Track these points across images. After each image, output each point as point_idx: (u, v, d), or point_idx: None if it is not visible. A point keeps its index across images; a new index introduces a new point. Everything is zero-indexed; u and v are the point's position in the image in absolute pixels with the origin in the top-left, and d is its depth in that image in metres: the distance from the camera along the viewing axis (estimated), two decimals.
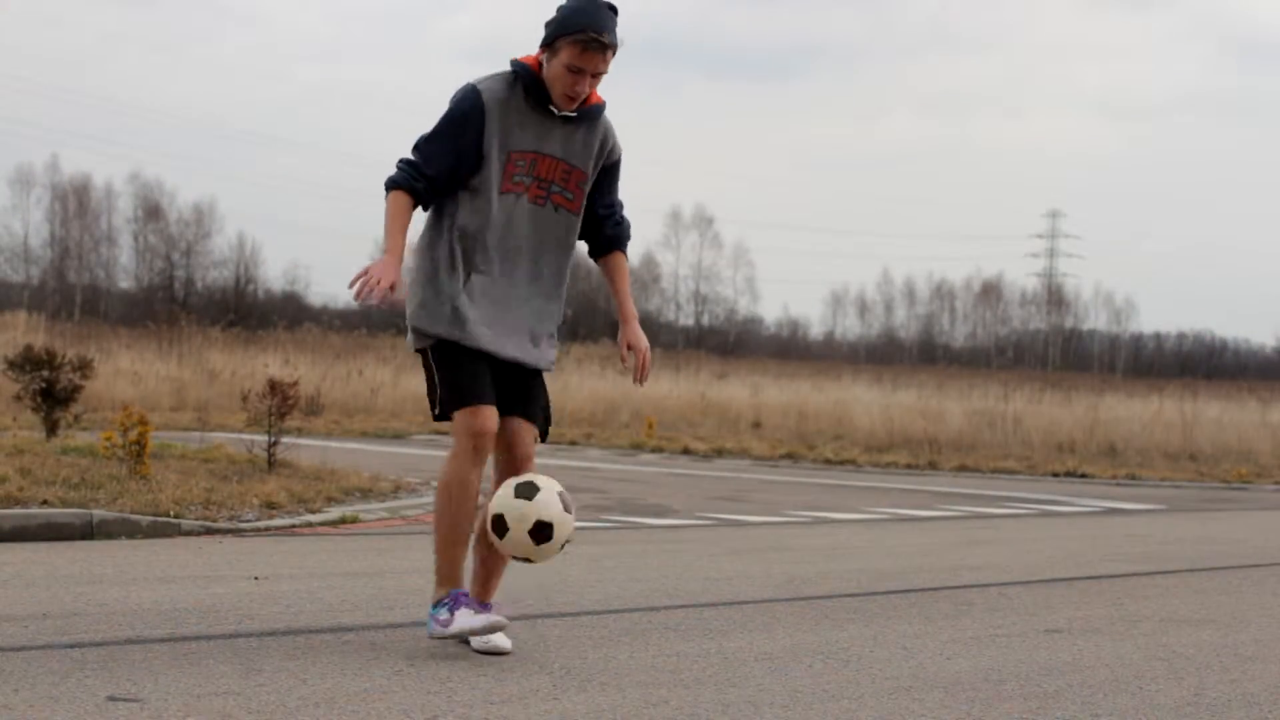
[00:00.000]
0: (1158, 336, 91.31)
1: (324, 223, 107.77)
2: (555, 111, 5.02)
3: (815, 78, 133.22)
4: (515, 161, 5.03)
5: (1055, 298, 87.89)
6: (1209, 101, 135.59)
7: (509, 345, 5.06)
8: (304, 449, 12.69)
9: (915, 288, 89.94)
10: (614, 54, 4.95)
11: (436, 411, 5.07)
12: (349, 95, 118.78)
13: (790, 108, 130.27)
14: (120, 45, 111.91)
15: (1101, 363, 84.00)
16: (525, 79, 5.01)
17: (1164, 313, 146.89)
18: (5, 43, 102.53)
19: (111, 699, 4.04)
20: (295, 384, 12.24)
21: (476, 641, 4.99)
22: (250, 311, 54.68)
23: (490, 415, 4.99)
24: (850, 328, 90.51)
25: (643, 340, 5.25)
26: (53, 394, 13.33)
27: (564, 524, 4.88)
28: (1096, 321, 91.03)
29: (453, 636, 4.98)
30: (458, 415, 4.98)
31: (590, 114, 5.10)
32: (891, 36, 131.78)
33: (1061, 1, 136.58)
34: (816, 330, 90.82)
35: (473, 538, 5.12)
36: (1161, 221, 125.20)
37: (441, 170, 4.98)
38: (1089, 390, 34.53)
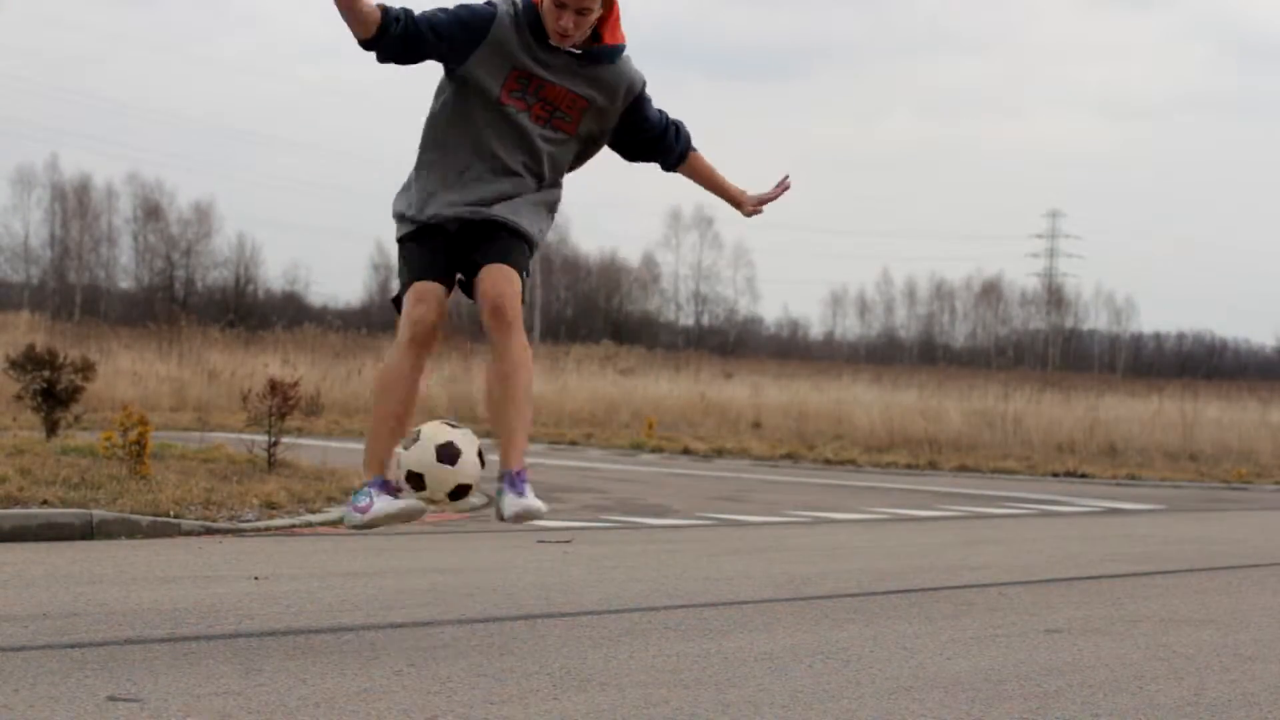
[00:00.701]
0: (1158, 336, 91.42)
1: (324, 223, 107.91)
2: (558, 46, 5.06)
3: (816, 77, 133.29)
4: (517, 78, 5.05)
5: (1055, 298, 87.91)
6: (1209, 102, 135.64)
7: (467, 202, 5.06)
8: (304, 449, 12.69)
9: (915, 288, 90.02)
10: None
11: (396, 303, 5.19)
12: (349, 95, 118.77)
13: (791, 108, 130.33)
14: (120, 45, 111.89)
15: (1101, 363, 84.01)
16: (529, 13, 5.04)
17: (1164, 313, 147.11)
18: (5, 43, 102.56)
19: (111, 699, 4.04)
20: (296, 384, 12.24)
21: (511, 510, 4.93)
22: (250, 311, 54.69)
23: (427, 294, 5.02)
24: (850, 328, 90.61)
25: (761, 194, 5.51)
26: (53, 394, 13.33)
27: (465, 466, 4.86)
28: (1096, 321, 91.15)
29: (369, 525, 4.98)
30: (404, 302, 5.08)
31: (601, 55, 5.11)
32: (892, 36, 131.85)
33: (1062, 2, 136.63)
34: (816, 330, 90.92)
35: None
36: (1161, 221, 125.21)
37: (421, 21, 4.94)
38: (1089, 390, 34.53)
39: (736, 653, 5.22)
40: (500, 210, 5.10)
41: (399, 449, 4.96)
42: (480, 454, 4.93)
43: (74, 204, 70.43)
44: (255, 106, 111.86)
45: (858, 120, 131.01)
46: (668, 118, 5.39)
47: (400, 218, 5.23)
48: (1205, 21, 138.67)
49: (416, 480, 4.90)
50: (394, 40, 4.94)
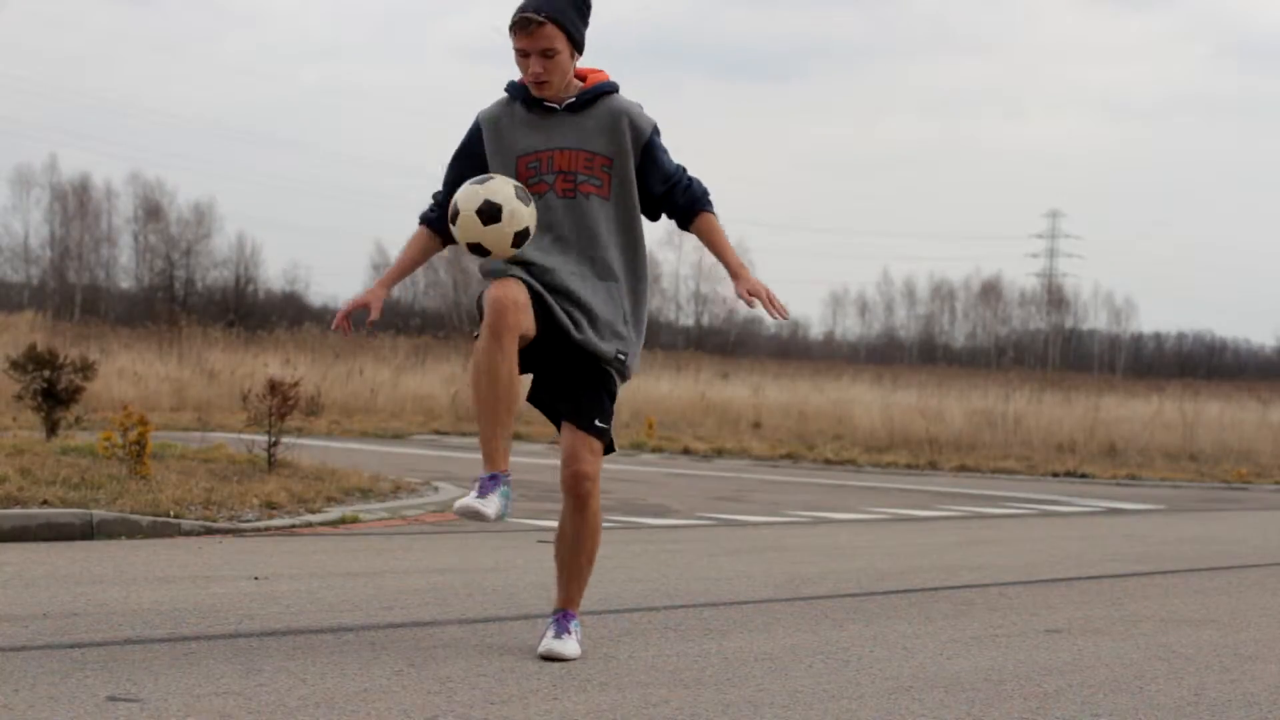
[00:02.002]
0: (1158, 336, 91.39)
1: (324, 223, 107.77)
2: (557, 107, 5.01)
3: (816, 78, 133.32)
4: (527, 165, 5.02)
5: (1055, 298, 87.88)
6: (1209, 102, 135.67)
7: (558, 279, 4.93)
8: (304, 449, 12.69)
9: (915, 288, 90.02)
10: (556, 26, 4.85)
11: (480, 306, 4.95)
12: (349, 95, 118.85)
13: (791, 108, 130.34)
14: (120, 45, 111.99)
15: (1101, 363, 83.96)
16: (518, 90, 5.04)
17: (1164, 313, 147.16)
18: (5, 43, 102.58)
19: (111, 699, 4.04)
20: (296, 384, 12.24)
21: (541, 649, 4.98)
22: (250, 311, 54.65)
23: (513, 285, 4.81)
24: (850, 328, 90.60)
25: (759, 285, 5.08)
26: (54, 394, 13.33)
27: (519, 211, 4.73)
28: (1096, 321, 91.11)
29: (471, 514, 4.79)
30: (485, 296, 4.87)
31: (592, 95, 5.03)
32: (892, 37, 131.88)
33: (1062, 2, 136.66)
34: (816, 330, 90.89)
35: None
36: (1161, 221, 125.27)
37: (446, 194, 5.08)
38: (1089, 390, 34.50)
39: (736, 653, 5.22)
40: (591, 338, 4.95)
41: (450, 225, 4.81)
42: (511, 190, 4.76)
43: (74, 204, 70.41)
44: (255, 107, 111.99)
45: (858, 120, 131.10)
46: (683, 174, 5.17)
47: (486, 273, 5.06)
48: (1205, 22, 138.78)
49: (478, 249, 4.77)
50: (447, 229, 4.98)
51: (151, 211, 71.08)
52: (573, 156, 5.01)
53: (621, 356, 5.04)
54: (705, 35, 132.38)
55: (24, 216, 73.34)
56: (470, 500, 4.75)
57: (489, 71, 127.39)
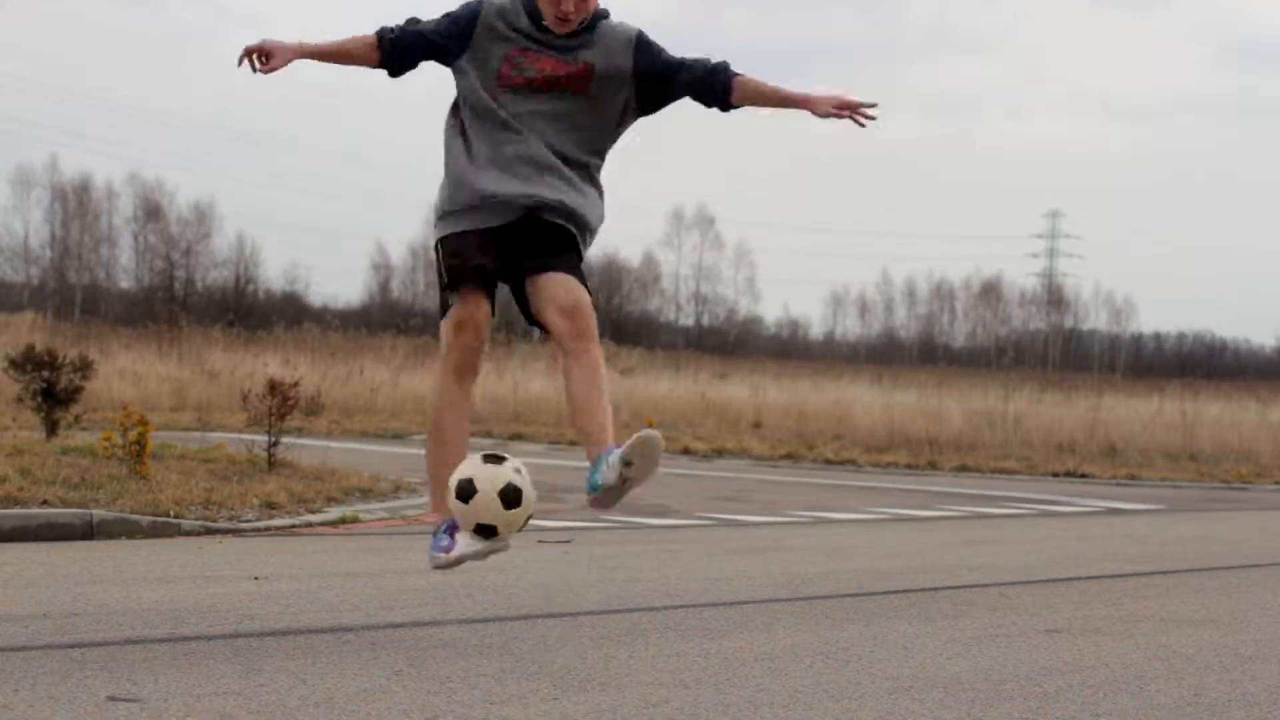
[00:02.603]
0: (1158, 336, 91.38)
1: (324, 223, 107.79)
2: (555, 31, 5.09)
3: (816, 78, 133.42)
4: (512, 58, 5.08)
5: (1055, 298, 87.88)
6: (1209, 102, 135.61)
7: (512, 181, 5.01)
8: (304, 449, 12.68)
9: (915, 288, 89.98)
10: None
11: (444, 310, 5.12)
12: (349, 95, 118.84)
13: None
14: (121, 45, 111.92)
15: (1101, 363, 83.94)
16: (530, 5, 5.09)
17: (1164, 313, 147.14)
18: (6, 43, 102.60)
19: (111, 699, 4.04)
20: (296, 384, 12.24)
21: (604, 480, 4.94)
22: (250, 311, 54.59)
23: (469, 322, 4.97)
24: (850, 328, 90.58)
25: (833, 96, 5.15)
26: (53, 394, 13.33)
27: (529, 496, 4.83)
28: (1096, 321, 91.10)
29: (455, 564, 4.95)
30: (445, 329, 5.04)
31: (583, 28, 5.12)
32: (892, 37, 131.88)
33: (1062, 3, 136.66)
34: (817, 330, 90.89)
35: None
36: (1161, 221, 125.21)
37: (412, 28, 5.08)
38: (1089, 390, 34.50)
39: (736, 653, 5.22)
40: (550, 191, 5.03)
41: (453, 502, 4.85)
42: (525, 474, 4.86)
43: (74, 204, 70.41)
44: (255, 107, 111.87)
45: None
46: (691, 59, 5.19)
47: (440, 216, 5.15)
48: (1205, 22, 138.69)
49: (488, 530, 4.85)
50: (393, 51, 5.09)
51: (151, 211, 71.10)
52: (559, 64, 5.09)
53: (581, 202, 5.14)
54: (706, 35, 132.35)
55: (24, 216, 73.26)
56: (444, 557, 4.96)
57: None
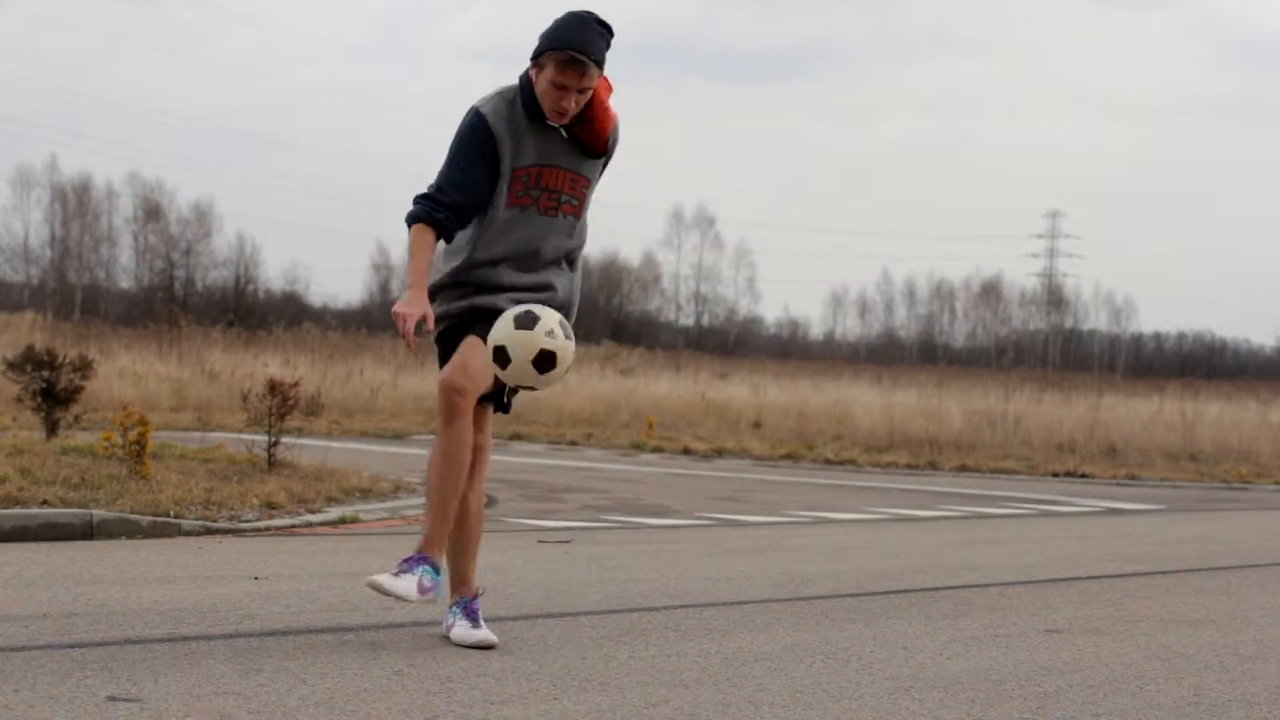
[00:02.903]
0: (1158, 336, 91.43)
1: (324, 223, 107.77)
2: (556, 127, 5.07)
3: (817, 78, 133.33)
4: (519, 178, 5.08)
5: (1055, 298, 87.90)
6: (1209, 102, 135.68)
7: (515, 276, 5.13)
8: (304, 449, 12.69)
9: (915, 288, 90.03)
10: (600, 71, 4.97)
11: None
12: (349, 95, 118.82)
13: (792, 108, 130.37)
14: (121, 45, 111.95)
15: (1101, 363, 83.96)
16: (524, 95, 5.06)
17: (1164, 313, 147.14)
18: (6, 43, 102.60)
19: (111, 699, 4.04)
20: (296, 384, 12.24)
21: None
22: (250, 311, 54.61)
23: (458, 371, 5.04)
24: (850, 328, 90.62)
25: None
26: (53, 394, 13.33)
27: (566, 351, 4.87)
28: (1096, 321, 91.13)
29: (382, 591, 4.99)
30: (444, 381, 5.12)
31: (598, 146, 5.16)
32: (893, 37, 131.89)
33: (1062, 3, 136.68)
34: (817, 330, 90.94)
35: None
36: (1161, 221, 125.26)
37: (458, 198, 5.03)
38: (1089, 390, 34.52)
39: (736, 653, 5.22)
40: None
41: (493, 367, 4.92)
42: (559, 332, 4.90)
43: (74, 204, 70.43)
44: (255, 107, 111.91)
45: (858, 120, 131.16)
46: None
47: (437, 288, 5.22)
48: (1205, 23, 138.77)
49: (526, 388, 4.95)
50: (455, 230, 5.08)
51: (151, 211, 71.12)
52: (561, 176, 5.13)
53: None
54: (706, 35, 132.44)
55: (24, 216, 73.33)
56: (383, 579, 4.92)
57: (489, 72, 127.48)
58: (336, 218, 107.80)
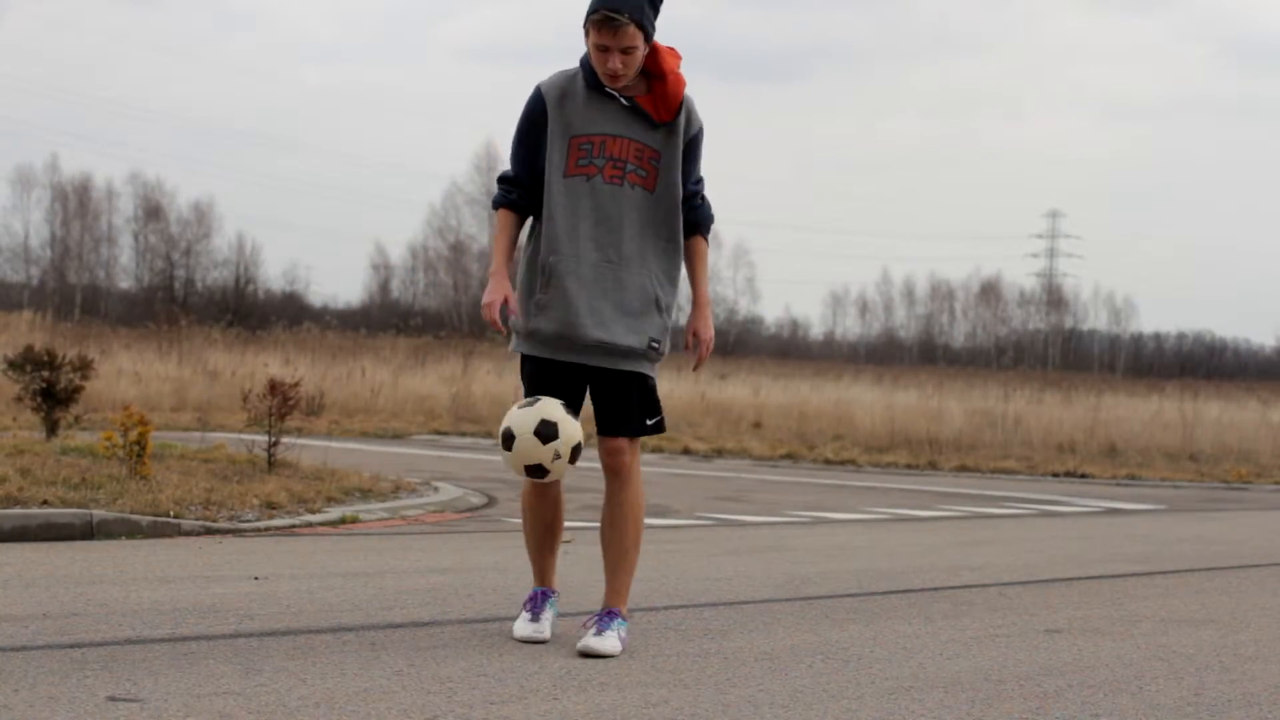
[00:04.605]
0: (1158, 336, 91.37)
1: (324, 223, 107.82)
2: (618, 95, 5.06)
3: (818, 79, 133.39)
4: (578, 145, 5.06)
5: (1055, 298, 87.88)
6: (1209, 103, 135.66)
7: (585, 325, 5.08)
8: (304, 449, 12.68)
9: (915, 288, 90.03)
10: (639, 29, 4.93)
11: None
12: (350, 96, 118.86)
13: (793, 109, 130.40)
14: (122, 46, 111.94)
15: (1101, 363, 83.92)
16: (587, 68, 5.08)
17: (1164, 313, 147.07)
18: (6, 43, 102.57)
19: (111, 699, 4.04)
20: (297, 384, 12.24)
21: (579, 646, 5.10)
22: (250, 311, 54.64)
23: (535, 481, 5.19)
24: (850, 328, 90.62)
25: (708, 330, 5.36)
26: (53, 394, 13.33)
27: (558, 470, 5.00)
28: (1096, 321, 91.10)
29: (531, 640, 5.25)
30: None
31: (663, 115, 5.12)
32: (894, 38, 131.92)
33: (1063, 4, 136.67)
34: (816, 330, 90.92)
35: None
36: (1161, 221, 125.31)
37: (522, 172, 5.13)
38: (1089, 390, 34.50)
39: (736, 653, 5.22)
40: (622, 333, 5.13)
41: (501, 453, 5.07)
42: (560, 409, 5.01)
43: (74, 204, 70.42)
44: (256, 107, 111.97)
45: (859, 121, 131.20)
46: (700, 189, 5.30)
47: (516, 332, 5.24)
48: (1206, 23, 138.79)
49: (538, 470, 5.03)
50: (528, 205, 5.16)
51: (151, 211, 71.10)
52: (625, 145, 5.09)
53: (655, 345, 5.25)
54: (707, 35, 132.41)
55: (24, 216, 73.29)
56: (525, 627, 5.25)
57: (489, 72, 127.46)
58: (336, 218, 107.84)
